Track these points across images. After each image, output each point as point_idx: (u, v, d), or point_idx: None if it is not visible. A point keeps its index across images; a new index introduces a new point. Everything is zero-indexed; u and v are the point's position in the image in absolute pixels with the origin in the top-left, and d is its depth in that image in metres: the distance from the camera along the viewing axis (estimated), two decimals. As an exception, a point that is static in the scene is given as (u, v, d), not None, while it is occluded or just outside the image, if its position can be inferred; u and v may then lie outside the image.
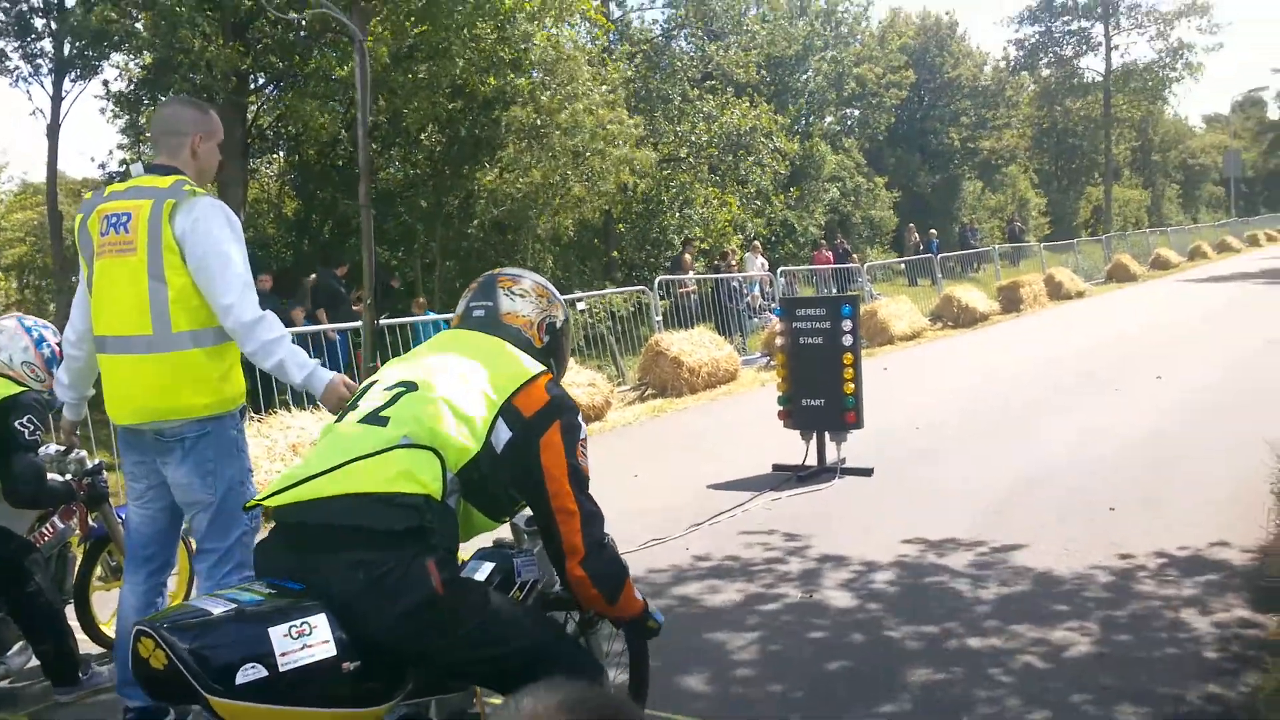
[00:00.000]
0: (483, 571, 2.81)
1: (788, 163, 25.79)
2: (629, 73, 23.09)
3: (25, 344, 4.55)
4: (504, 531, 3.02)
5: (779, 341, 8.35)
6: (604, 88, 19.05)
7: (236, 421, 3.81)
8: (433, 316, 13.14)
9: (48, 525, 4.70)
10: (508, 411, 2.62)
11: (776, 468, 8.14)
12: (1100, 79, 44.55)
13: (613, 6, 25.95)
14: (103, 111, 18.78)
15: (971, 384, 12.11)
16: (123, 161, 18.67)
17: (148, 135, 17.84)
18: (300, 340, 10.17)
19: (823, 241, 27.82)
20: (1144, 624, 4.72)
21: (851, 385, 7.89)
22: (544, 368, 2.81)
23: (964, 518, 6.51)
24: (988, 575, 5.48)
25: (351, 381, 3.77)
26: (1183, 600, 4.96)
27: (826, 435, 8.06)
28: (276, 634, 2.26)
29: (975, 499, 6.95)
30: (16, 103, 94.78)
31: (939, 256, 25.13)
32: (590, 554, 2.66)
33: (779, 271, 18.85)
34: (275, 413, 8.34)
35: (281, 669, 2.24)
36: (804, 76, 32.03)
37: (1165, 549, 5.70)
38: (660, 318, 14.82)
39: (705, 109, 23.64)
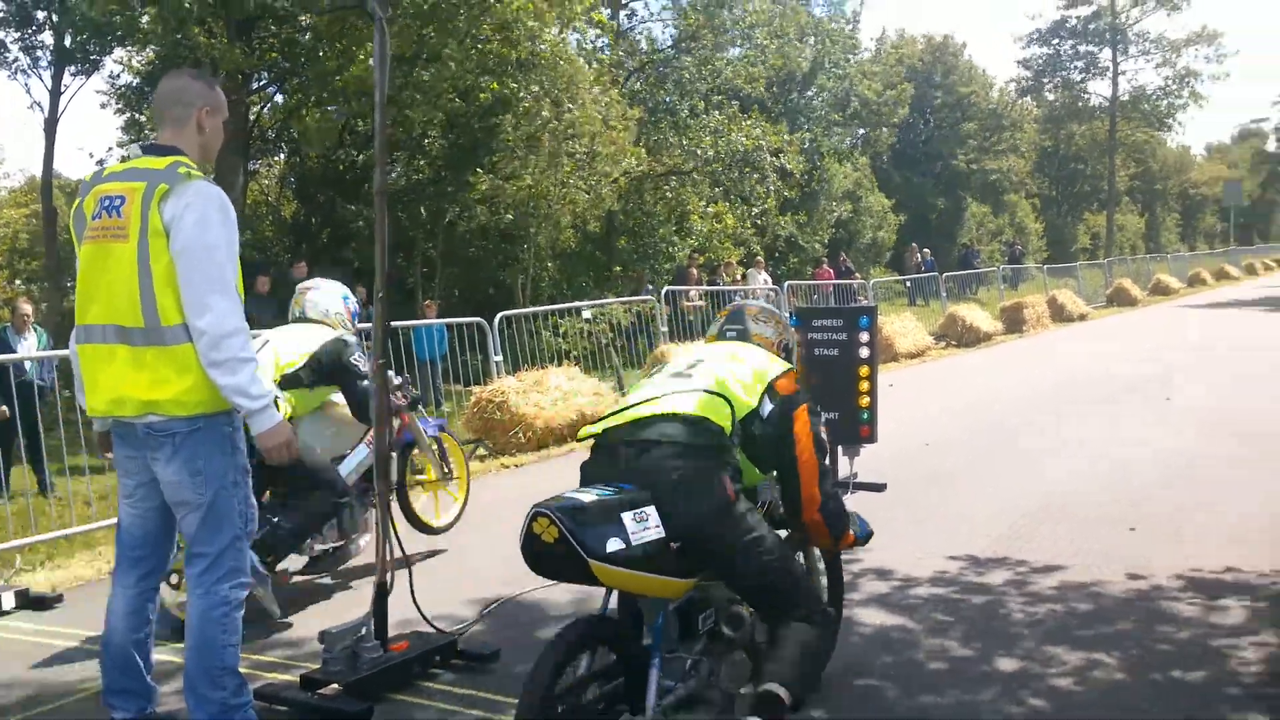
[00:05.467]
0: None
1: (797, 186, 25.45)
2: (636, 86, 22.87)
3: (338, 296, 5.81)
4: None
5: (791, 352, 8.14)
6: (607, 94, 18.85)
7: (232, 419, 3.55)
8: (436, 321, 12.93)
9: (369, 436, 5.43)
10: (770, 390, 3.46)
11: (786, 481, 7.92)
12: (1106, 104, 44.52)
13: (623, 17, 25.78)
14: (104, 106, 18.67)
15: (980, 402, 11.91)
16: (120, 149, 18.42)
17: (149, 129, 17.74)
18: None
19: (825, 259, 27.65)
20: (1177, 649, 4.52)
21: (867, 399, 7.61)
22: (790, 366, 3.66)
23: (981, 537, 6.32)
24: (1011, 595, 5.28)
25: (293, 438, 3.60)
26: (1213, 626, 4.77)
27: (839, 449, 7.84)
28: (627, 517, 3.02)
29: (992, 518, 6.75)
30: (16, 96, 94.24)
31: (942, 276, 24.96)
32: (826, 502, 3.46)
33: (785, 286, 18.67)
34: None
35: (633, 543, 2.99)
36: (809, 94, 31.83)
37: (1190, 573, 5.50)
38: (666, 329, 14.60)
39: (712, 124, 23.37)
